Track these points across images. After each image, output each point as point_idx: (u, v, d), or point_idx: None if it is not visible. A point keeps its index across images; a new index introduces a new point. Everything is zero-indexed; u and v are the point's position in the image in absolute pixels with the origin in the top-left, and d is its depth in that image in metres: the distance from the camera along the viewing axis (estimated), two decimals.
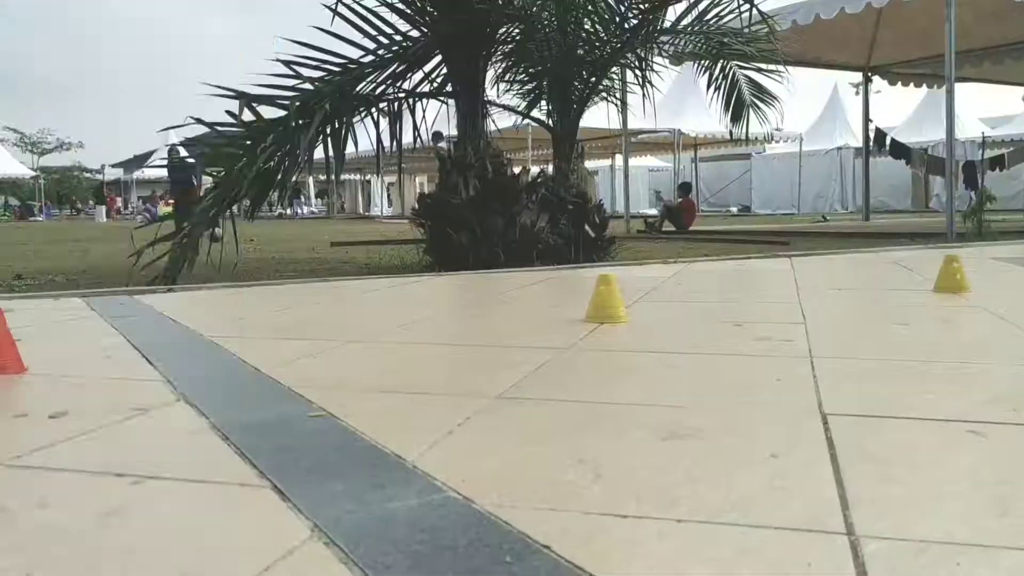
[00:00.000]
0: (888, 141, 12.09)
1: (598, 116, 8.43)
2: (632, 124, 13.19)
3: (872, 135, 12.19)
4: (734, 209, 24.40)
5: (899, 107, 20.50)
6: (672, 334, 1.76)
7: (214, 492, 0.81)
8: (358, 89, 5.42)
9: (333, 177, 5.56)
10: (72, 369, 1.42)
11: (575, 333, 1.66)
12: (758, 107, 7.52)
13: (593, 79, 6.21)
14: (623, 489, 0.80)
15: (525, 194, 5.48)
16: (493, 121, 5.96)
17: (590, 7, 6.01)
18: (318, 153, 5.15)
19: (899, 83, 12.69)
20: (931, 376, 1.28)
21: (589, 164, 26.17)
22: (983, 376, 1.29)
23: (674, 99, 18.58)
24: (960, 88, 18.76)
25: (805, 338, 1.57)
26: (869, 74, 12.57)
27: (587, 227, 5.74)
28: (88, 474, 0.86)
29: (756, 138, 20.11)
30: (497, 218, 5.39)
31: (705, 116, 15.46)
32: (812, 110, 24.09)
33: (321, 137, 4.99)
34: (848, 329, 1.80)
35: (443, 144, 12.58)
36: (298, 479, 0.83)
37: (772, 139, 21.68)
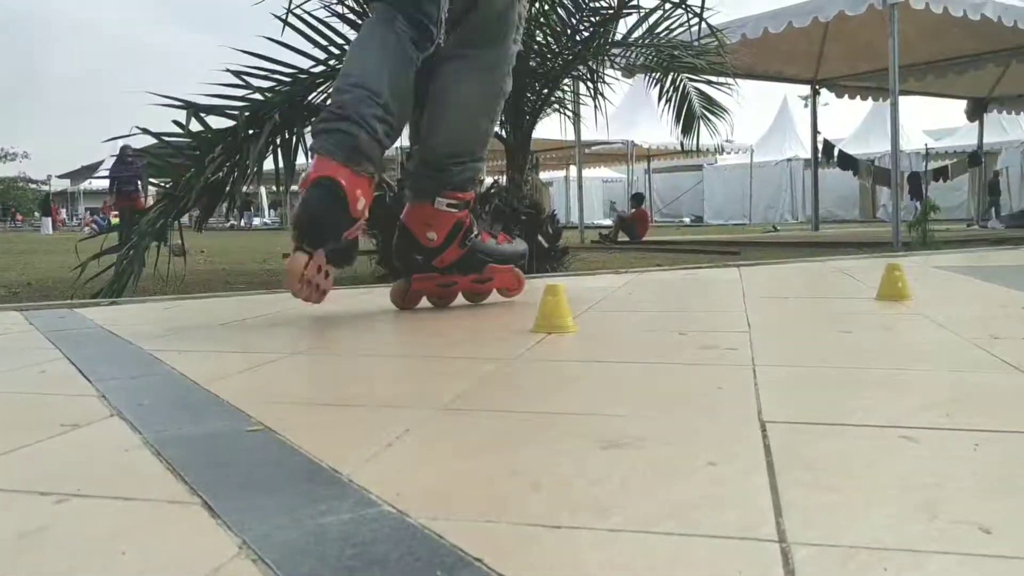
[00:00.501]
0: (836, 153, 12.36)
1: (552, 127, 8.48)
2: (586, 135, 13.30)
3: (820, 147, 12.45)
4: (687, 219, 24.72)
5: (847, 119, 20.98)
6: (619, 344, 1.77)
7: (142, 509, 0.79)
8: (310, 99, 5.37)
9: (284, 188, 5.51)
10: (2, 385, 1.38)
11: (522, 344, 1.66)
12: (708, 119, 7.63)
13: (545, 91, 6.24)
14: (559, 500, 0.79)
15: (479, 205, 5.48)
16: None
17: (542, 19, 6.05)
18: (269, 164, 5.10)
19: (846, 96, 12.99)
20: (869, 383, 1.30)
21: (544, 175, 26.32)
22: (919, 382, 1.31)
23: (627, 111, 18.77)
24: (905, 101, 19.30)
25: (749, 346, 1.59)
26: (817, 87, 12.85)
27: (540, 237, 5.76)
28: (10, 493, 0.84)
29: (708, 149, 20.41)
30: None
31: (658, 128, 15.66)
32: (763, 122, 24.53)
33: (271, 147, 4.95)
34: (791, 337, 1.82)
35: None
36: (230, 495, 0.81)
37: (723, 150, 22.02)
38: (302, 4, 5.14)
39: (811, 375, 1.37)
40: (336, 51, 5.23)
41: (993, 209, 16.77)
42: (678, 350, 1.63)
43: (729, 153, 22.41)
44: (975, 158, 13.90)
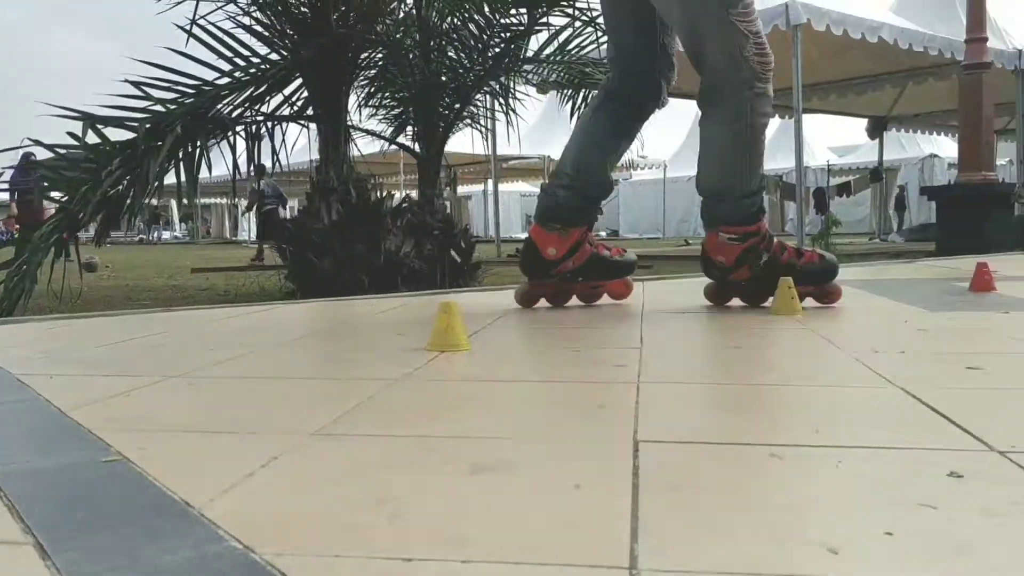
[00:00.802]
0: None
1: (469, 141, 8.47)
2: (504, 150, 13.33)
3: None
4: (603, 233, 25.02)
5: None
6: (510, 362, 1.76)
7: None
8: (214, 111, 5.25)
9: (187, 201, 5.36)
10: None
11: (412, 363, 1.63)
12: None
13: (458, 105, 6.24)
14: (416, 529, 0.77)
15: (390, 219, 5.44)
16: (356, 145, 5.90)
17: (454, 35, 6.05)
18: (171, 177, 4.96)
19: None
20: (748, 399, 1.32)
21: (463, 189, 26.35)
22: (796, 398, 1.34)
23: (545, 126, 18.93)
24: (810, 118, 19.94)
25: (638, 363, 1.60)
26: None
27: (453, 252, 5.74)
28: None
29: (628, 164, 20.69)
30: (361, 244, 5.33)
31: None
32: (677, 137, 25.03)
33: (173, 161, 4.81)
34: (681, 352, 1.84)
35: (264, 180, 12.27)
36: (67, 534, 0.76)
37: (637, 166, 22.40)
38: (207, 15, 5.04)
39: (693, 392, 1.38)
40: (242, 62, 5.13)
41: (897, 223, 17.48)
42: (568, 367, 1.62)
43: (643, 168, 22.83)
44: (876, 174, 14.46)
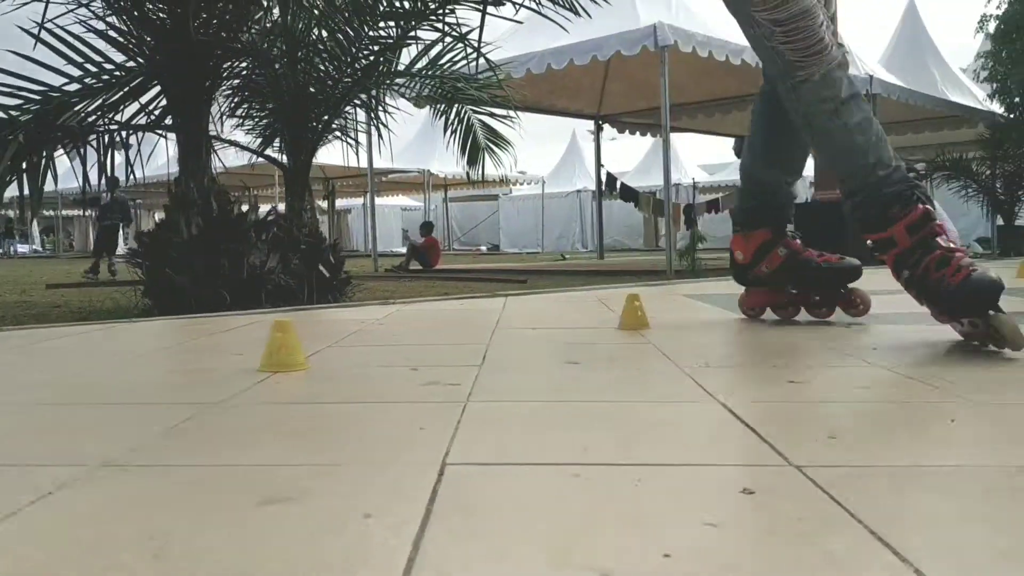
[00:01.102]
0: (618, 185, 12.92)
1: (350, 154, 8.34)
2: (384, 164, 13.17)
3: (604, 179, 12.99)
4: (483, 248, 25.13)
5: (634, 152, 22.13)
6: (344, 382, 1.71)
7: None
8: (63, 119, 4.99)
9: (31, 214, 5.06)
10: None
11: (237, 386, 1.56)
12: (493, 151, 7.75)
13: (326, 117, 6.14)
14: (180, 567, 0.72)
15: (254, 233, 5.29)
16: (218, 157, 5.72)
17: (321, 45, 5.96)
18: (12, 190, 4.67)
19: (627, 131, 13.67)
20: (567, 416, 1.31)
21: (343, 202, 25.97)
22: (616, 414, 1.34)
23: (425, 140, 18.86)
24: (682, 137, 20.55)
25: (473, 381, 1.58)
26: (600, 122, 13.43)
27: (321, 267, 5.62)
28: None
29: (502, 179, 20.85)
30: (222, 258, 5.15)
31: (454, 157, 15.87)
32: (555, 154, 25.45)
33: (14, 173, 4.54)
34: (519, 370, 1.84)
35: (120, 192, 11.84)
36: None
37: (517, 181, 22.64)
38: (57, 18, 4.78)
39: (518, 410, 1.37)
40: (93, 68, 4.90)
41: None
42: (401, 388, 1.59)
43: (523, 184, 23.09)
44: None
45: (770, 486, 0.95)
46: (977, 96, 14.40)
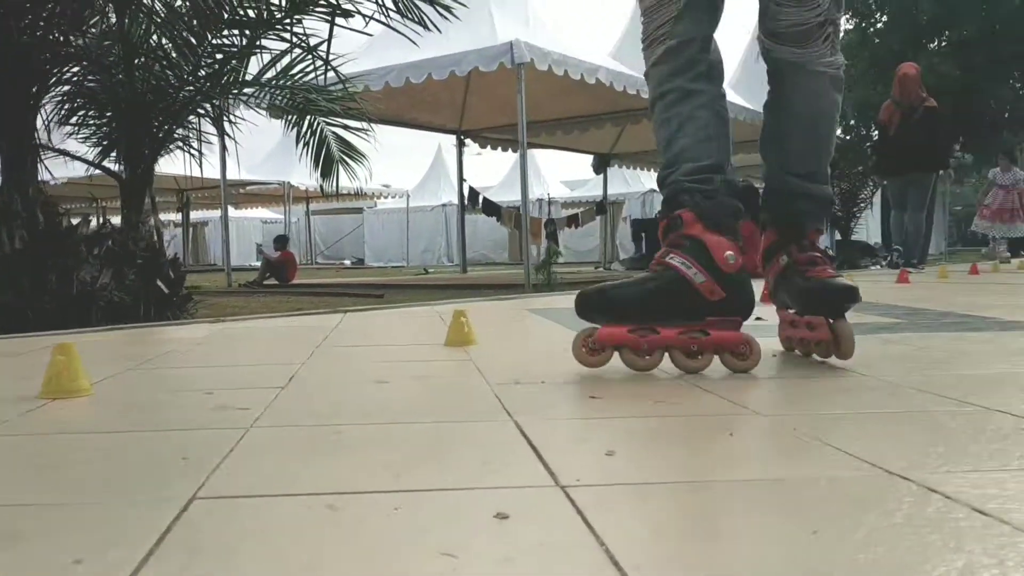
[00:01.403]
0: (481, 200, 12.98)
1: (203, 164, 8.01)
2: (242, 175, 12.77)
3: (467, 193, 13.02)
4: (347, 262, 24.77)
5: (500, 167, 22.33)
6: (126, 409, 1.60)
7: None
8: None
9: None
10: None
11: (6, 413, 1.44)
12: (347, 164, 7.65)
13: (168, 126, 5.89)
14: None
15: (85, 247, 5.00)
16: (46, 167, 5.38)
17: (160, 52, 5.72)
18: None
19: (489, 146, 13.76)
20: (351, 441, 1.27)
21: (198, 215, 25.04)
22: (410, 437, 1.30)
23: (286, 151, 18.40)
24: (545, 153, 20.84)
25: (267, 405, 1.51)
26: (463, 137, 13.47)
27: (160, 282, 5.37)
28: None
29: (358, 192, 20.62)
30: (50, 273, 4.85)
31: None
32: (422, 167, 25.38)
33: None
34: (323, 391, 1.78)
35: None
36: None
37: (380, 195, 22.45)
38: None
39: (299, 435, 1.32)
40: None
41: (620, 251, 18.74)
42: (185, 414, 1.51)
43: (388, 197, 22.89)
44: (601, 207, 15.40)
45: (526, 509, 0.93)
46: None
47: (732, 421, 1.42)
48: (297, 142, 7.31)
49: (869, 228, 17.42)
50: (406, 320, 3.34)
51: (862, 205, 14.10)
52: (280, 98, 6.65)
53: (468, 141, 13.67)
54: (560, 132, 12.88)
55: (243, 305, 7.63)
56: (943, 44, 16.46)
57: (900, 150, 9.27)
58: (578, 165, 19.44)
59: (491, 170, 22.83)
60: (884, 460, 1.09)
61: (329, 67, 5.71)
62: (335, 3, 5.31)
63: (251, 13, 5.46)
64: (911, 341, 2.49)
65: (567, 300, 5.17)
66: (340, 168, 7.51)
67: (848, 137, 13.80)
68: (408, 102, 11.42)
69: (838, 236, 14.05)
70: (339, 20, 5.63)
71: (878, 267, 11.94)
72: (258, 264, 16.31)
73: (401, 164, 30.18)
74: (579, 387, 1.75)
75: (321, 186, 7.77)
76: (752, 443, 1.30)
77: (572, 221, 14.12)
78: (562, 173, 23.14)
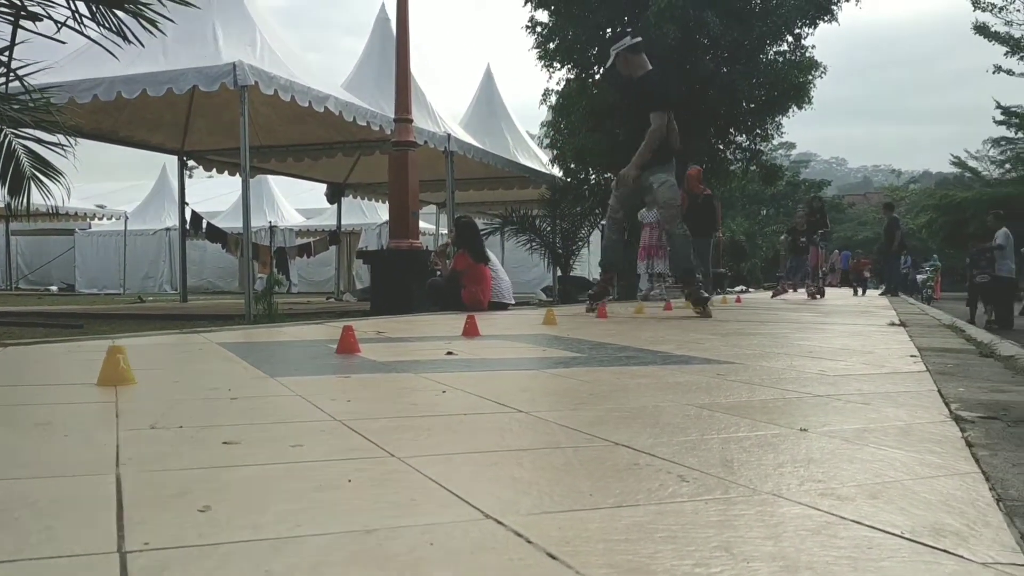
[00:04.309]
0: (204, 225, 12.38)
1: None
2: None
3: (189, 218, 12.36)
4: (54, 288, 22.59)
5: (230, 192, 21.34)
6: None
7: None
8: None
9: None
10: None
11: None
12: (41, 181, 6.98)
13: None
14: None
15: None
16: None
17: None
18: None
19: (214, 169, 13.17)
20: None
21: None
22: None
23: None
24: (281, 181, 20.29)
25: None
26: (186, 159, 12.79)
27: None
28: None
29: (75, 213, 19.00)
30: None
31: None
32: (142, 190, 23.81)
33: None
34: None
35: None
36: None
37: (96, 215, 20.73)
38: None
39: None
40: None
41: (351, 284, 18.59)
42: None
43: (102, 219, 21.18)
44: (334, 237, 15.21)
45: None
46: (542, 160, 16.16)
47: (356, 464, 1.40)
48: None
49: (590, 265, 18.61)
50: (71, 356, 3.05)
51: (580, 244, 15.00)
52: None
53: (196, 164, 13.00)
54: (291, 159, 12.60)
55: None
56: None
57: (690, 224, 10.45)
58: (316, 194, 19.10)
59: (219, 195, 21.85)
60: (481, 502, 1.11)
61: (13, 75, 5.18)
62: (19, 3, 4.84)
63: None
64: (579, 376, 2.62)
65: (280, 332, 4.98)
66: (31, 184, 6.82)
67: (568, 180, 14.68)
68: (125, 118, 10.66)
69: (559, 272, 14.84)
70: (27, 24, 5.14)
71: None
72: None
73: (122, 184, 28.05)
74: (212, 431, 1.62)
75: (8, 204, 7.01)
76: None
77: (304, 250, 13.85)
78: (299, 201, 22.62)
